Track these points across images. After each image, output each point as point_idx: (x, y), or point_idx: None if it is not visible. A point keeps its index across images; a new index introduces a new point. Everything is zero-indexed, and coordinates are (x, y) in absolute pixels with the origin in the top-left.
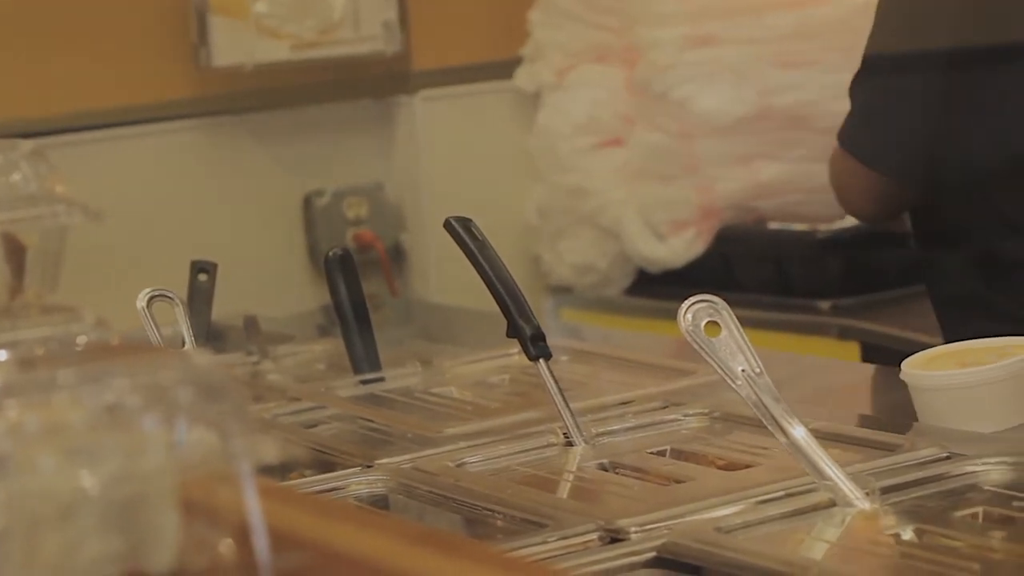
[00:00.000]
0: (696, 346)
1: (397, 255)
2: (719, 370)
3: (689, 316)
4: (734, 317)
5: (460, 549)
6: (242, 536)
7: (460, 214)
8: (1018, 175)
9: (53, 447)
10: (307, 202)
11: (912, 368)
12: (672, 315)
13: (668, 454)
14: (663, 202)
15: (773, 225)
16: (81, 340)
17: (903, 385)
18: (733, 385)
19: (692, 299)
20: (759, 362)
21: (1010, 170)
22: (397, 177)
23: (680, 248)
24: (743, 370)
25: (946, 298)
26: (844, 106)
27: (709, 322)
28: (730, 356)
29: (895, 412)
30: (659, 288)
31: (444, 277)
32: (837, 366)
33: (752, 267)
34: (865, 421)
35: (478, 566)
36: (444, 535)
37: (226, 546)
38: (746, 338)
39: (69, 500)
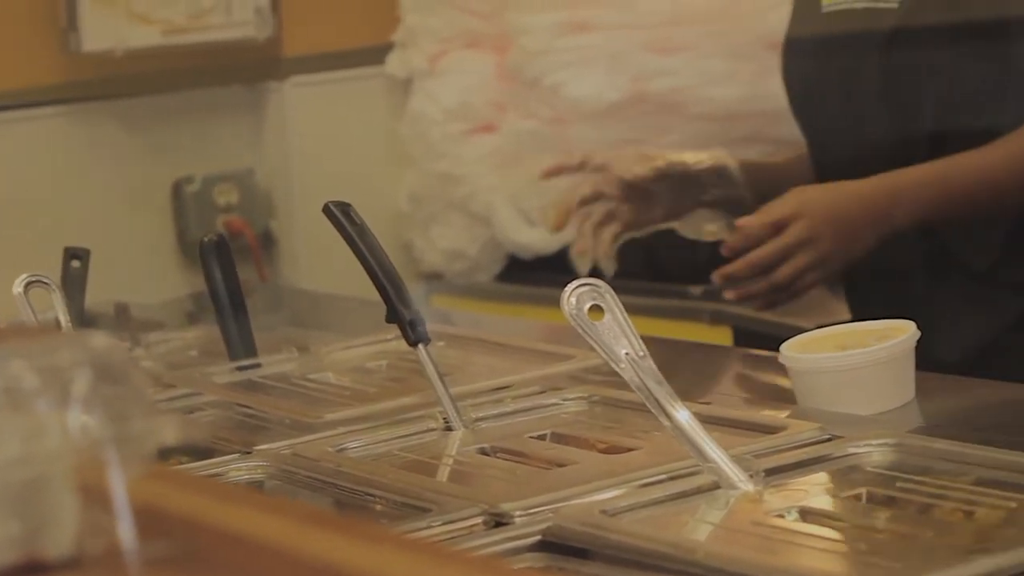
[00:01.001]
0: (580, 330)
1: (267, 241)
2: (603, 354)
3: (573, 300)
4: (618, 301)
5: (356, 529)
6: (141, 520)
7: (332, 200)
8: None
9: None
10: (177, 188)
11: (791, 351)
12: (543, 301)
13: (549, 438)
14: (535, 188)
15: None
16: None
17: (780, 368)
18: (617, 369)
19: (576, 282)
20: (643, 346)
21: None
22: (267, 163)
23: (551, 234)
24: (627, 353)
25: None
26: (718, 91)
27: (592, 306)
28: (614, 340)
29: (773, 395)
30: (530, 274)
31: (314, 263)
32: (714, 350)
33: (623, 252)
34: (746, 404)
35: (375, 546)
36: (340, 517)
37: (123, 530)
38: (629, 322)
39: None
